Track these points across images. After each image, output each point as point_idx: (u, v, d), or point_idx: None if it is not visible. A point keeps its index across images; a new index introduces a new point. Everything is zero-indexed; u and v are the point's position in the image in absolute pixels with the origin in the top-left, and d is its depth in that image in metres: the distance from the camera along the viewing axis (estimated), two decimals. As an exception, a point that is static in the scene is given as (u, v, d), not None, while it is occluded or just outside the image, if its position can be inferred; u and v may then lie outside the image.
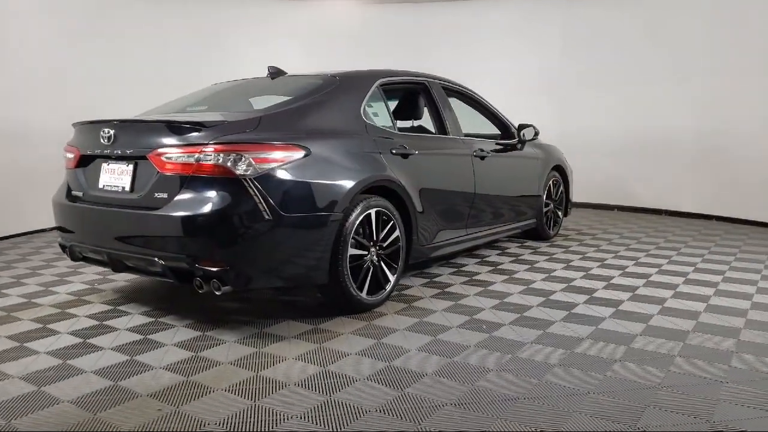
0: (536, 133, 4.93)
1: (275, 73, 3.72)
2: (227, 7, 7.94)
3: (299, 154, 2.80)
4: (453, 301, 3.40)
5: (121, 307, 3.26)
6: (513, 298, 3.49)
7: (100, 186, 2.96)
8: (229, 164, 2.58)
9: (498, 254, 4.77)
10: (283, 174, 2.71)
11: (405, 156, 3.49)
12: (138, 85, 6.70)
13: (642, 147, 7.46)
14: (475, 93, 4.69)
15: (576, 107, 8.06)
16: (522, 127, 4.87)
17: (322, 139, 2.99)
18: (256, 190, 2.59)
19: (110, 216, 2.83)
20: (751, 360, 2.49)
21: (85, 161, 3.08)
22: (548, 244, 5.28)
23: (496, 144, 4.70)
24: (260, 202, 2.59)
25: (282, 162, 2.71)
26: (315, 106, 3.14)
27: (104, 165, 2.97)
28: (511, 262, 4.49)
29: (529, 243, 5.30)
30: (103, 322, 3.00)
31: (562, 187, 5.63)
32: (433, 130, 4.16)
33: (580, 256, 4.73)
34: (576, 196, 8.09)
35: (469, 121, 4.91)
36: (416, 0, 8.48)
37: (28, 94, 5.91)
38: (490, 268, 4.25)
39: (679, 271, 4.18)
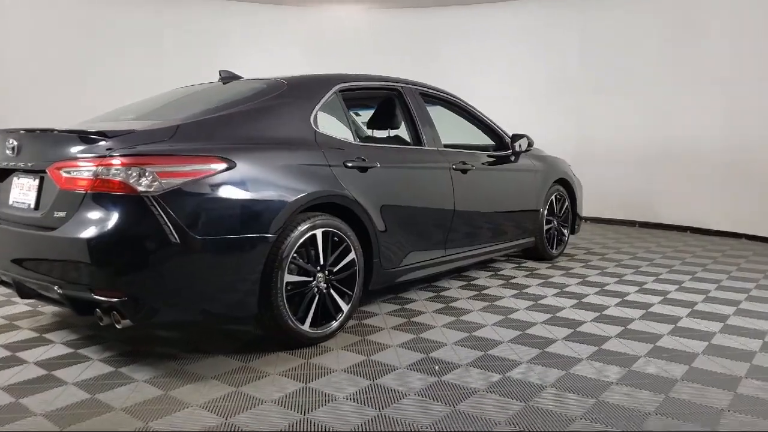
0: (530, 144, 4.51)
1: (228, 77, 3.43)
2: (232, 14, 7.78)
3: (220, 166, 2.48)
4: (414, 334, 3.02)
5: (48, 335, 3.00)
6: (484, 331, 3.08)
7: (10, 202, 2.70)
8: (130, 180, 2.28)
9: (488, 276, 4.36)
10: (197, 190, 2.40)
11: (363, 169, 3.13)
12: (137, 92, 6.55)
13: (666, 158, 6.90)
14: (462, 100, 4.30)
15: (595, 115, 7.55)
16: (516, 137, 4.46)
17: (253, 150, 2.66)
18: (160, 210, 2.27)
19: (12, 236, 2.57)
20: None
21: (2, 174, 2.84)
22: (549, 265, 4.82)
23: (487, 156, 4.30)
24: (165, 223, 2.27)
25: (196, 176, 2.40)
26: (250, 113, 2.83)
27: (15, 179, 2.72)
28: (500, 286, 4.07)
29: (528, 263, 4.86)
30: (15, 353, 2.73)
31: (567, 203, 5.17)
32: (411, 141, 3.80)
33: (579, 280, 4.27)
34: (595, 210, 7.58)
35: (463, 131, 4.54)
36: (425, 5, 8.14)
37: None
38: (473, 294, 3.85)
39: (686, 301, 3.68)
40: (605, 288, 4.02)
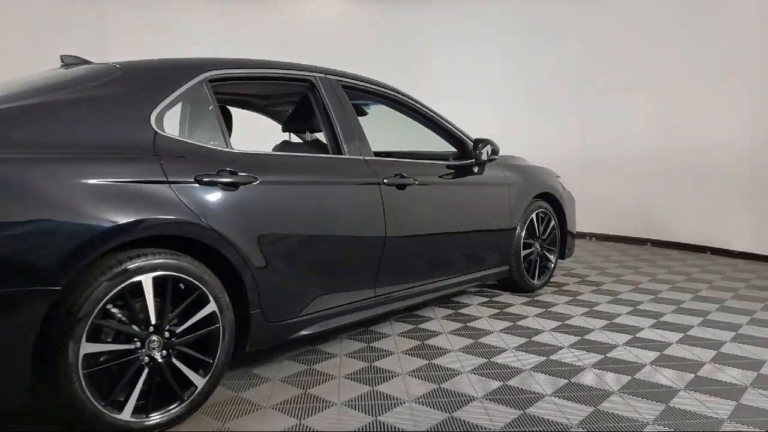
0: (494, 152, 3.63)
1: (73, 63, 2.64)
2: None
3: None
4: (311, 403, 2.18)
5: None
6: (399, 411, 2.22)
7: None
8: None
9: (445, 317, 3.49)
10: None
11: (231, 186, 2.31)
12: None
13: (684, 167, 5.92)
14: (409, 97, 3.45)
15: (601, 118, 6.61)
16: (478, 143, 3.58)
17: (40, 161, 1.87)
18: None
19: None
20: None
21: None
22: (526, 299, 3.92)
23: (439, 167, 3.45)
24: None
25: None
26: (50, 107, 2.04)
27: None
28: (453, 332, 3.20)
29: (502, 297, 3.96)
30: None
31: (554, 222, 4.26)
32: (330, 148, 2.97)
33: (558, 323, 3.37)
34: (600, 226, 6.63)
35: (422, 137, 3.70)
36: (409, -3, 7.33)
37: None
38: (413, 345, 2.98)
39: (689, 360, 2.76)
40: (587, 337, 3.11)
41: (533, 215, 4.06)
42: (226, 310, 2.26)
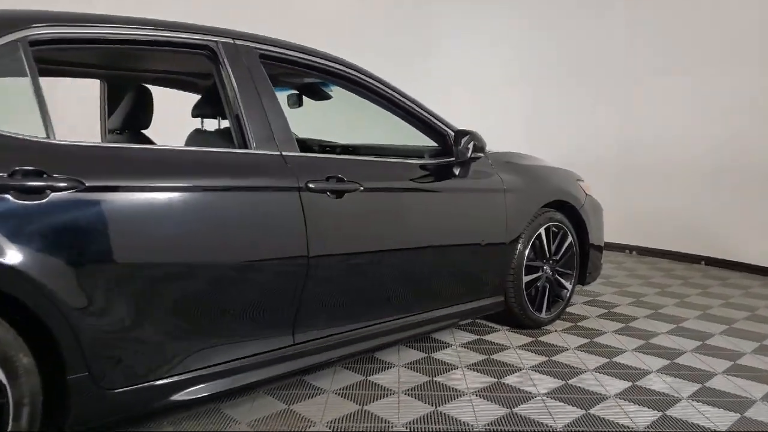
0: (478, 148, 2.72)
1: None
2: None
3: None
4: None
5: None
6: None
7: None
8: None
9: (409, 365, 2.63)
10: None
11: (33, 193, 1.55)
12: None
13: (750, 169, 4.80)
14: (368, 75, 2.57)
15: (644, 108, 5.53)
16: (459, 136, 2.69)
17: None
18: None
19: None
20: None
21: None
22: (529, 340, 3.02)
23: (404, 166, 2.59)
24: None
25: None
26: None
27: None
28: (408, 392, 2.34)
29: (494, 336, 3.07)
30: None
31: (570, 238, 3.32)
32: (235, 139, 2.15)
33: (560, 382, 2.46)
34: (642, 238, 5.57)
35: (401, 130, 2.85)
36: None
37: None
38: (355, 395, 2.16)
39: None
40: (596, 410, 2.20)
41: (542, 230, 3.13)
42: (24, 376, 1.51)
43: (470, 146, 2.64)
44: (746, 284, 4.42)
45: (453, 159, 2.70)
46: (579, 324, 3.31)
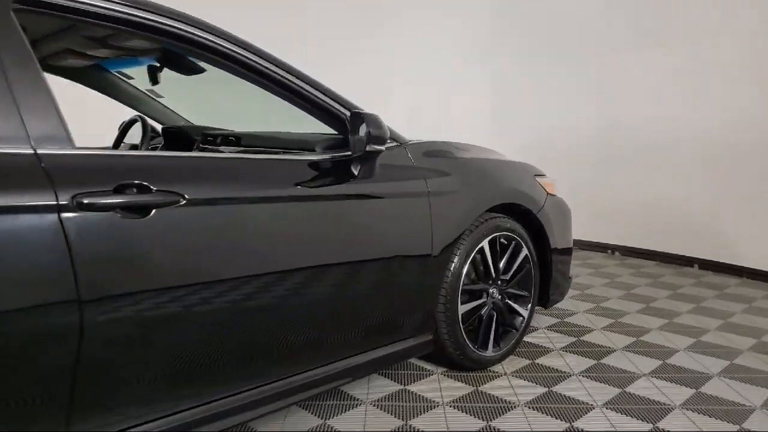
0: (374, 137, 1.92)
1: None
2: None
3: None
4: None
5: None
6: None
7: None
8: None
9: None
10: None
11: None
12: None
13: (751, 158, 4.06)
14: (225, 37, 1.76)
15: (627, 86, 4.76)
16: (357, 120, 1.90)
17: None
18: None
19: None
20: None
21: None
22: (466, 390, 2.27)
23: (273, 163, 1.82)
24: None
25: None
26: None
27: None
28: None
29: (424, 384, 2.32)
30: None
31: (525, 252, 2.56)
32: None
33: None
34: (630, 236, 4.83)
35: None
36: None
37: None
38: None
39: None
40: None
41: (485, 242, 2.37)
42: None
43: (364, 134, 1.85)
44: (747, 295, 3.68)
45: (348, 153, 1.92)
46: (537, 362, 2.56)
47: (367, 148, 1.85)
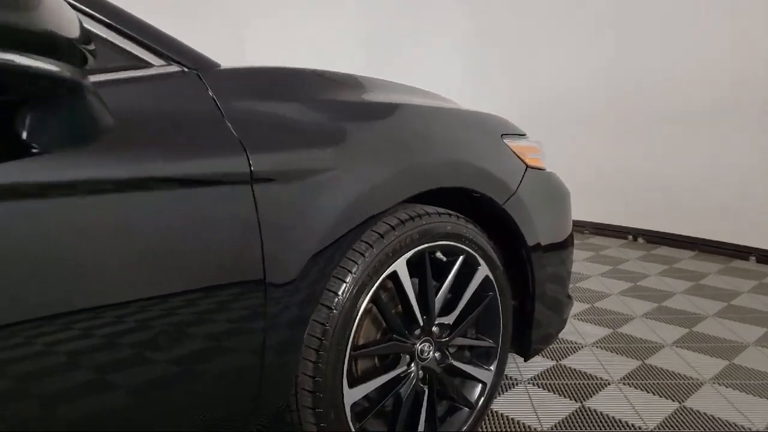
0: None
1: None
2: None
3: None
4: None
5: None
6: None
7: None
8: None
9: None
10: None
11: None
12: None
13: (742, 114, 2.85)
14: None
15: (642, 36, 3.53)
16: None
17: None
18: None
19: None
20: None
21: None
22: None
23: None
24: None
25: None
26: None
27: None
28: None
29: None
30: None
31: (485, 272, 1.42)
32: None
33: None
34: (661, 222, 3.66)
35: None
36: None
37: None
38: None
39: None
40: None
41: (399, 262, 1.23)
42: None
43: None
44: (728, 270, 2.52)
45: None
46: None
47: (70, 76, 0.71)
